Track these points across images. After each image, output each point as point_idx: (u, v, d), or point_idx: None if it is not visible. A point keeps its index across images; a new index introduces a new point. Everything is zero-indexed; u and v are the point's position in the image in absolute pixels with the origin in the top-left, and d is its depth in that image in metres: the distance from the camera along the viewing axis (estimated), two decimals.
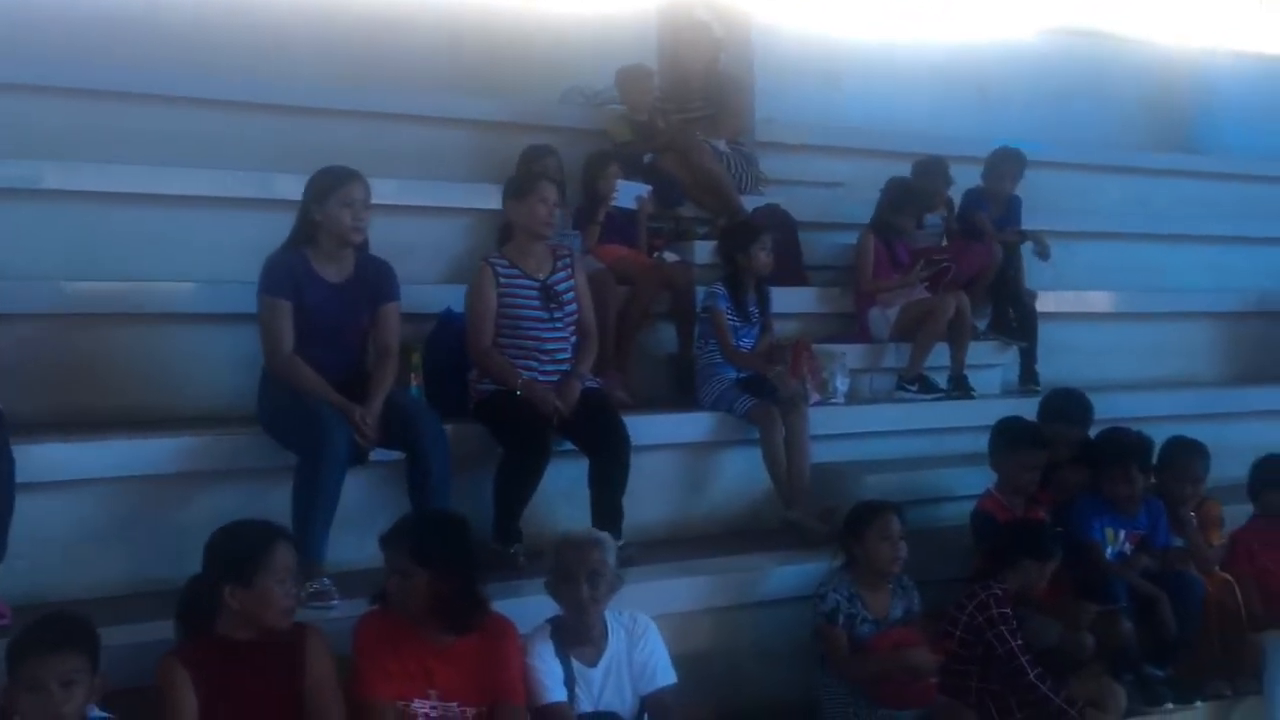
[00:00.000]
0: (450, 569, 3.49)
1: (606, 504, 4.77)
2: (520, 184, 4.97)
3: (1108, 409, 6.58)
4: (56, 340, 4.94)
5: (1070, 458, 5.09)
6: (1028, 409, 6.23)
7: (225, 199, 5.48)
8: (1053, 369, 7.24)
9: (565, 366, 4.90)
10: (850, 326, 6.47)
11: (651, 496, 5.32)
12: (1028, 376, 6.68)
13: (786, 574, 4.78)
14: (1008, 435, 4.95)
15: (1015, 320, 6.76)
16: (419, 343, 5.18)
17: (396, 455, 4.37)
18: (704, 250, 6.45)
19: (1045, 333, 7.33)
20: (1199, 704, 4.82)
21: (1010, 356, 6.81)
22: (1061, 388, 5.67)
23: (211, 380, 4.98)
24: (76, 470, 4.35)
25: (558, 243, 5.72)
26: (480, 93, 7.11)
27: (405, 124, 6.60)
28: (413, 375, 4.84)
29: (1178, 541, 5.09)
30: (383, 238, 5.72)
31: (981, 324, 6.76)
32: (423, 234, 6.01)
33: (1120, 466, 4.89)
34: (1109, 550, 4.95)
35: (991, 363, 6.67)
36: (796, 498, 5.17)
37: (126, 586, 4.27)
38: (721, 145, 6.74)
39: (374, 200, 5.86)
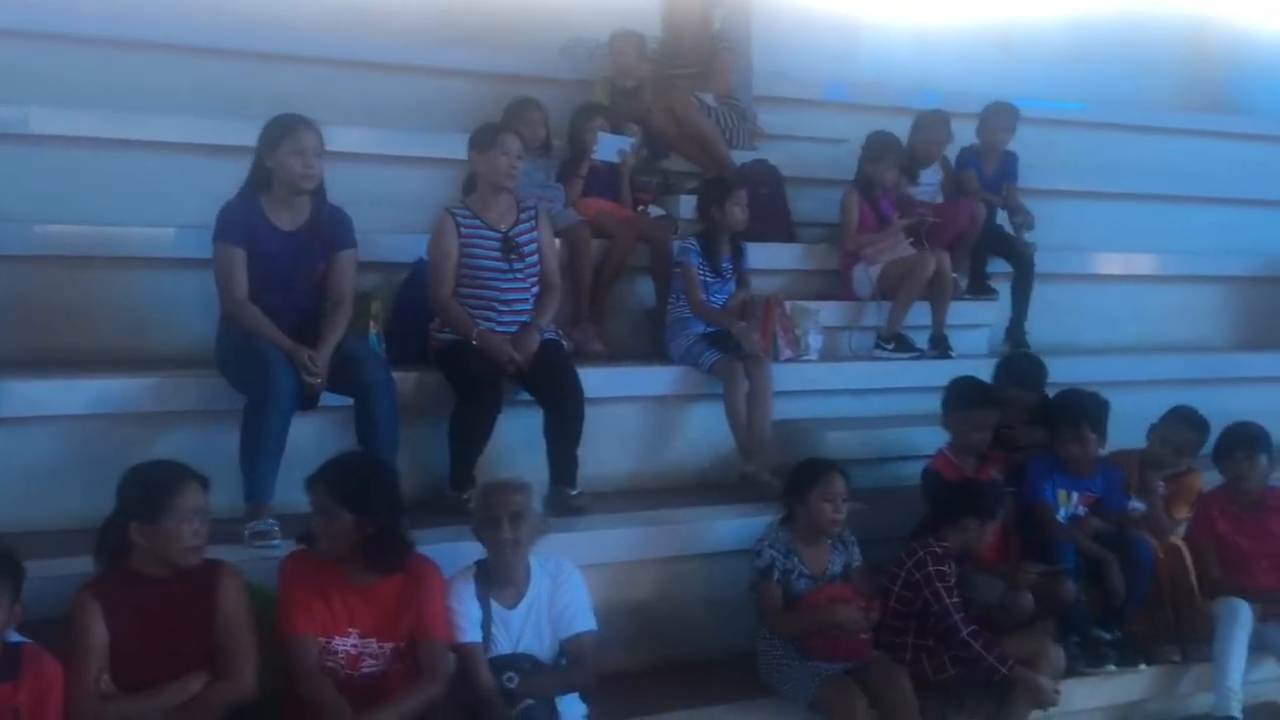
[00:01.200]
0: (372, 511, 3.58)
1: (561, 455, 4.85)
2: (483, 135, 5.00)
3: (1107, 372, 6.62)
4: (35, 282, 5.08)
5: (1025, 420, 5.06)
6: None
7: (206, 145, 5.55)
8: (1051, 330, 7.21)
9: (525, 318, 4.96)
10: (837, 284, 6.46)
11: (615, 448, 5.41)
12: (1016, 337, 6.64)
13: (737, 527, 4.82)
14: (959, 394, 4.94)
15: (1014, 275, 6.70)
16: (385, 291, 5.29)
17: (346, 400, 4.46)
18: (690, 205, 6.45)
19: (1046, 294, 7.29)
20: (1143, 667, 4.81)
21: (1000, 317, 6.76)
22: (1018, 350, 5.63)
23: (186, 324, 5.07)
24: (45, 407, 4.51)
25: (539, 193, 5.84)
26: (480, 45, 7.13)
27: (397, 74, 6.67)
28: (372, 323, 4.91)
29: (1138, 506, 5.06)
30: (368, 187, 5.86)
31: (960, 282, 6.72)
32: (409, 183, 6.08)
33: (1072, 426, 4.86)
34: (1062, 512, 4.93)
35: (977, 323, 6.63)
36: (755, 452, 5.21)
37: (85, 520, 4.41)
38: (709, 99, 6.72)
39: (360, 150, 6.13)
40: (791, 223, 6.71)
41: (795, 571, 4.41)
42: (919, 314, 6.31)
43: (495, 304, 4.92)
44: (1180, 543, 4.98)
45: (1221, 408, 6.61)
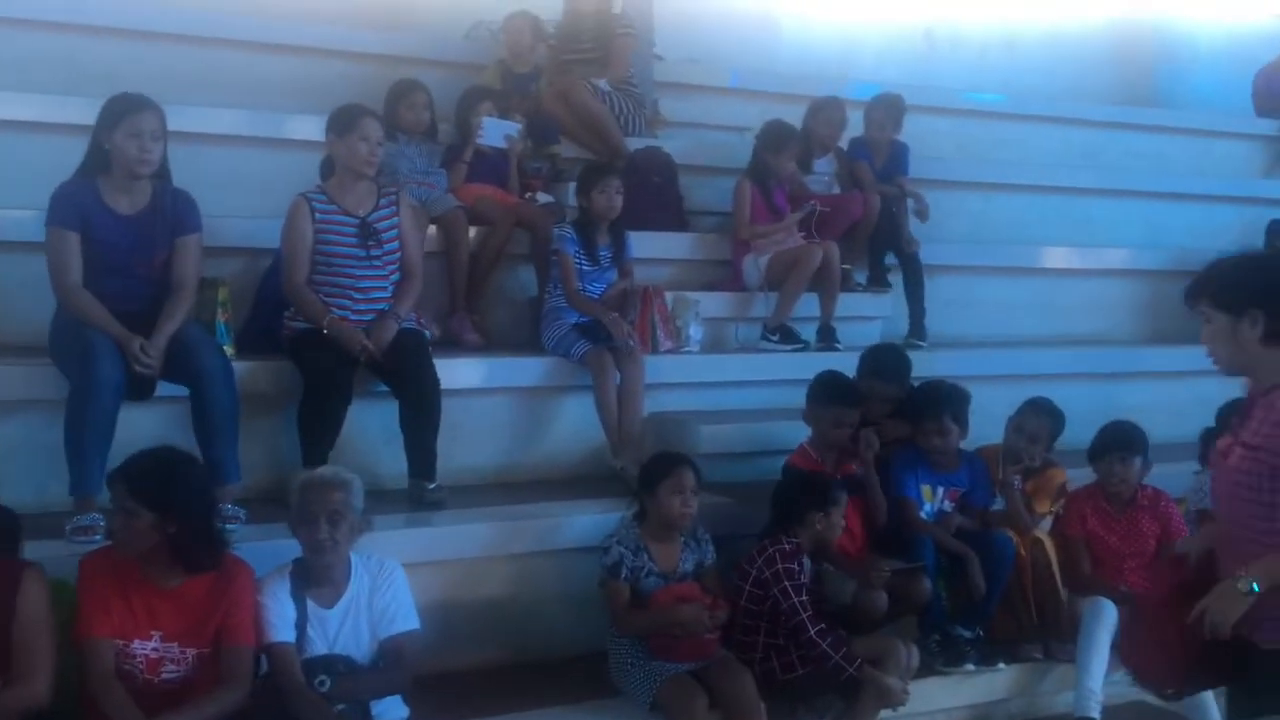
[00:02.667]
0: (174, 509, 3.45)
1: (417, 447, 4.75)
2: (342, 119, 4.85)
3: (1008, 365, 6.57)
4: None
5: (889, 414, 4.98)
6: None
7: (45, 124, 5.36)
8: (953, 323, 7.17)
9: (383, 306, 4.83)
10: (728, 274, 6.36)
11: (485, 440, 5.32)
12: (915, 330, 6.55)
13: (597, 522, 4.67)
14: (820, 389, 4.85)
15: (902, 271, 6.62)
16: (249, 277, 5.16)
17: (182, 390, 4.33)
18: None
19: (949, 287, 7.24)
20: (1003, 666, 4.73)
21: (896, 309, 6.68)
22: (880, 343, 5.54)
23: (23, 310, 4.90)
24: None
25: (420, 179, 5.72)
26: (373, 26, 6.98)
27: (278, 54, 6.51)
28: (220, 310, 4.77)
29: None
30: (240, 169, 5.75)
31: (861, 276, 6.63)
32: (285, 167, 5.91)
33: (934, 418, 4.78)
34: (927, 507, 4.86)
35: (870, 315, 6.55)
36: (624, 446, 5.11)
37: None
38: (603, 84, 6.60)
39: (250, 133, 5.99)
40: (684, 211, 6.61)
41: (644, 569, 4.30)
42: (813, 306, 6.23)
43: (351, 292, 4.78)
44: (1044, 538, 4.89)
45: (1124, 402, 6.67)
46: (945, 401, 4.79)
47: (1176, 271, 8.03)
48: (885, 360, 5.12)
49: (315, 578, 3.71)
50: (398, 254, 4.92)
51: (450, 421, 5.12)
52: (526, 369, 5.38)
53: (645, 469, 4.42)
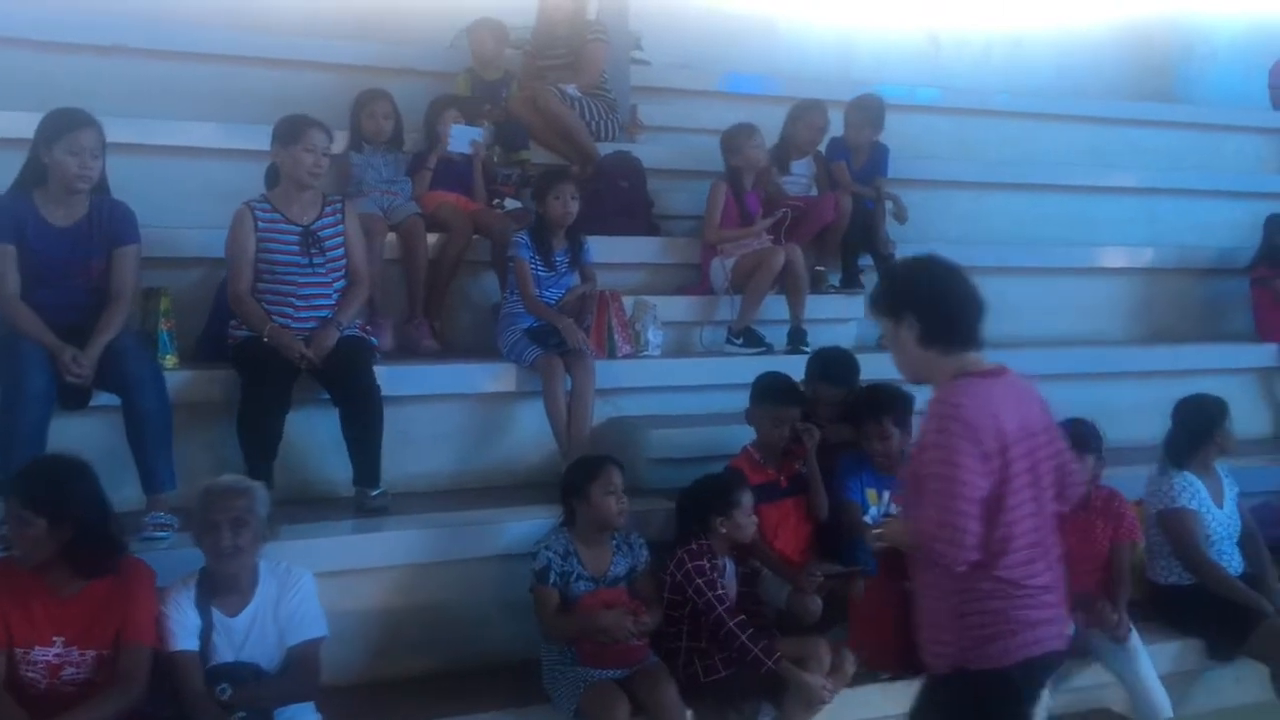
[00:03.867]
0: (68, 516, 3.48)
1: (359, 454, 4.76)
2: (287, 128, 4.89)
3: (1014, 366, 6.45)
4: None
5: (836, 417, 4.91)
6: (873, 365, 6.13)
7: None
8: None
9: (325, 314, 4.85)
10: (698, 278, 6.32)
11: (438, 447, 5.32)
12: None
13: (539, 527, 4.64)
14: (760, 390, 4.80)
15: (878, 273, 6.53)
16: (206, 286, 5.22)
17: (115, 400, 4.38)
18: None
19: None
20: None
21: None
22: (828, 346, 5.48)
23: None
24: None
25: (384, 188, 5.76)
26: (344, 37, 7.03)
27: (249, 66, 6.56)
28: (162, 319, 4.82)
29: None
30: (219, 181, 5.78)
31: (835, 278, 6.56)
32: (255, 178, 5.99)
33: (874, 422, 4.71)
34: (872, 511, 4.78)
35: (843, 317, 6.47)
36: (575, 451, 5.06)
37: None
38: (572, 90, 6.59)
39: (224, 145, 6.04)
40: (653, 215, 6.57)
41: (574, 574, 4.28)
42: (784, 308, 6.18)
43: (293, 299, 4.81)
44: None
45: (1111, 403, 6.56)
46: (886, 405, 4.71)
47: (1174, 270, 7.99)
48: (833, 363, 5.06)
49: (220, 586, 3.72)
50: (343, 262, 4.94)
51: (402, 428, 5.16)
52: (479, 375, 5.38)
53: (570, 473, 4.40)
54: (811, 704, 4.17)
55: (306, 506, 4.85)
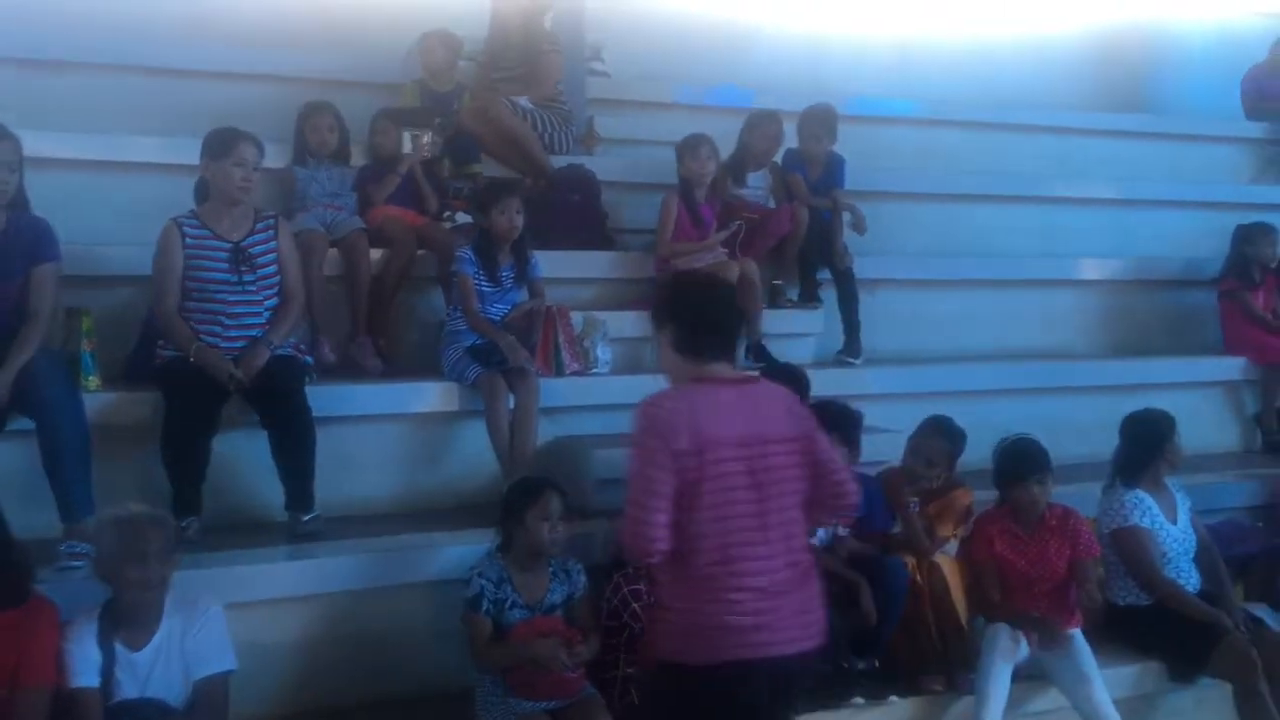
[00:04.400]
0: None
1: (289, 477, 4.64)
2: (216, 142, 4.75)
3: (941, 382, 6.36)
4: None
5: None
6: (831, 381, 6.00)
7: None
8: (901, 339, 6.97)
9: (255, 333, 4.71)
10: (652, 293, 6.18)
11: (379, 469, 5.19)
12: (848, 347, 6.34)
13: (476, 553, 4.48)
14: None
15: (836, 286, 6.42)
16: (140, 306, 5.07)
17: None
18: None
19: (900, 301, 7.04)
20: (894, 699, 4.48)
21: (832, 325, 6.47)
22: (779, 363, 5.35)
23: None
24: None
25: (328, 201, 5.62)
26: (292, 48, 6.90)
27: (188, 79, 6.44)
28: (85, 340, 4.67)
29: None
30: (168, 196, 5.62)
31: (793, 292, 6.44)
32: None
33: None
34: (820, 533, 4.63)
35: (803, 331, 6.35)
36: (517, 472, 4.90)
37: None
38: (523, 102, 6.46)
39: (158, 160, 5.89)
40: (607, 229, 6.44)
41: (508, 601, 4.12)
42: None
43: (221, 318, 4.67)
44: (942, 562, 4.65)
45: (1073, 418, 6.46)
46: (832, 424, 4.55)
47: (1141, 282, 7.88)
48: (782, 379, 4.86)
49: (125, 619, 3.56)
50: (275, 280, 4.81)
51: (341, 450, 5.04)
52: (420, 394, 5.23)
53: (509, 496, 4.25)
54: None
55: (239, 532, 4.71)
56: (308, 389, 4.88)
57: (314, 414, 4.83)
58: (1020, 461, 4.75)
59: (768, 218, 6.26)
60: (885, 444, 5.23)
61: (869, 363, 6.47)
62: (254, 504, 4.86)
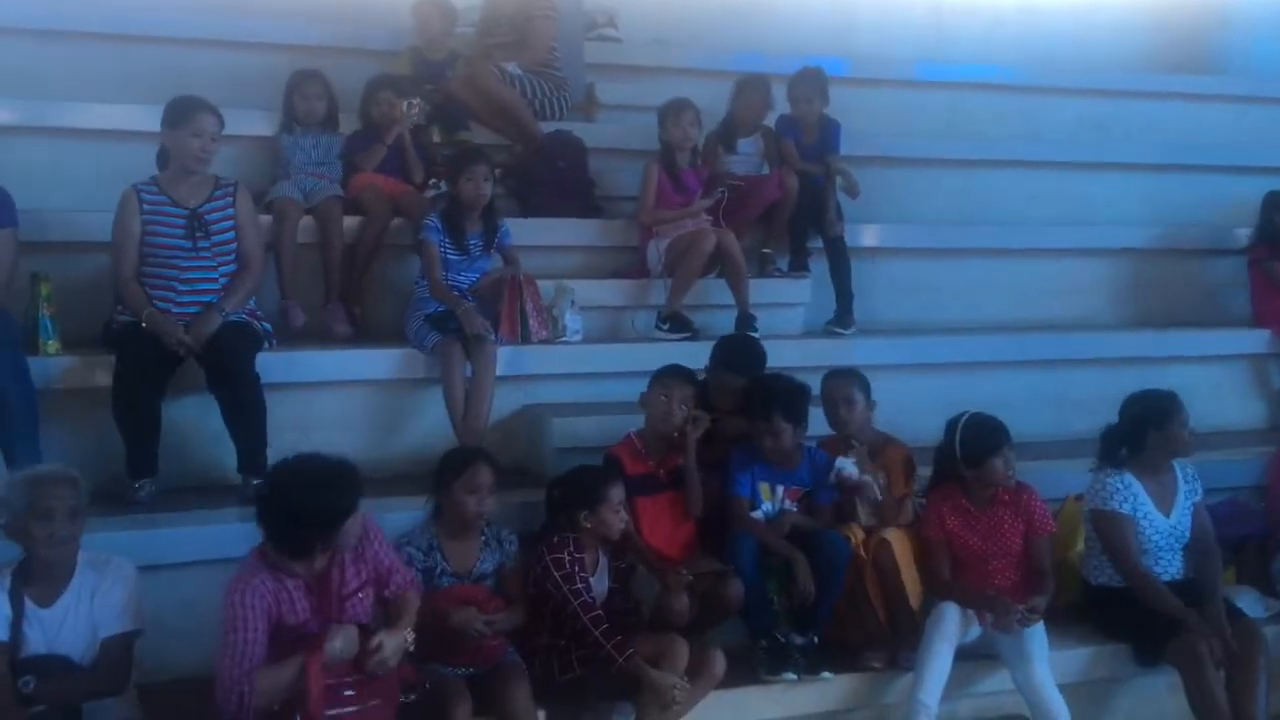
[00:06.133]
0: None
1: (239, 441, 4.69)
2: (176, 111, 4.80)
3: (935, 353, 6.21)
4: None
5: (737, 406, 4.69)
6: (817, 351, 5.89)
7: None
8: (908, 309, 6.83)
9: (210, 298, 4.75)
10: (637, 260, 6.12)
11: (340, 434, 5.15)
12: (839, 318, 6.20)
13: (416, 519, 4.51)
14: (658, 370, 4.60)
15: (827, 254, 6.28)
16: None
17: None
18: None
19: (908, 270, 6.88)
20: (828, 675, 4.37)
21: (825, 294, 6.33)
22: (732, 333, 5.25)
23: None
24: None
25: (312, 170, 5.64)
26: (289, 15, 6.92)
27: (203, 49, 6.52)
28: (44, 305, 4.76)
29: (851, 471, 4.61)
30: (129, 165, 5.72)
31: (784, 261, 6.32)
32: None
33: (763, 418, 4.47)
34: (765, 506, 4.55)
35: (791, 301, 6.23)
36: (469, 440, 4.91)
37: None
38: (512, 68, 6.41)
39: (138, 127, 5.96)
40: (595, 197, 6.38)
41: (438, 569, 4.13)
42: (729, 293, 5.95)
43: (175, 284, 4.73)
44: (893, 538, 4.52)
45: (1090, 391, 6.24)
46: (776, 399, 4.47)
47: (1169, 250, 7.58)
48: (735, 349, 4.83)
49: (37, 576, 3.63)
50: (231, 246, 4.85)
51: (304, 415, 5.09)
52: (382, 361, 5.25)
53: (441, 465, 4.24)
54: (665, 705, 3.97)
55: (195, 494, 4.78)
56: (269, 355, 4.96)
57: (276, 379, 4.91)
58: (986, 437, 4.59)
59: (757, 184, 6.13)
60: None
61: (865, 333, 6.34)
62: (212, 467, 4.93)
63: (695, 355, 5.07)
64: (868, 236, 6.72)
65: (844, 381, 4.71)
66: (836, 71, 7.76)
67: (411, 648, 3.66)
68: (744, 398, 4.62)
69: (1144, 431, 4.82)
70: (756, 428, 4.49)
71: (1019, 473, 4.65)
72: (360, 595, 3.66)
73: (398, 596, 3.78)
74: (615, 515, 4.16)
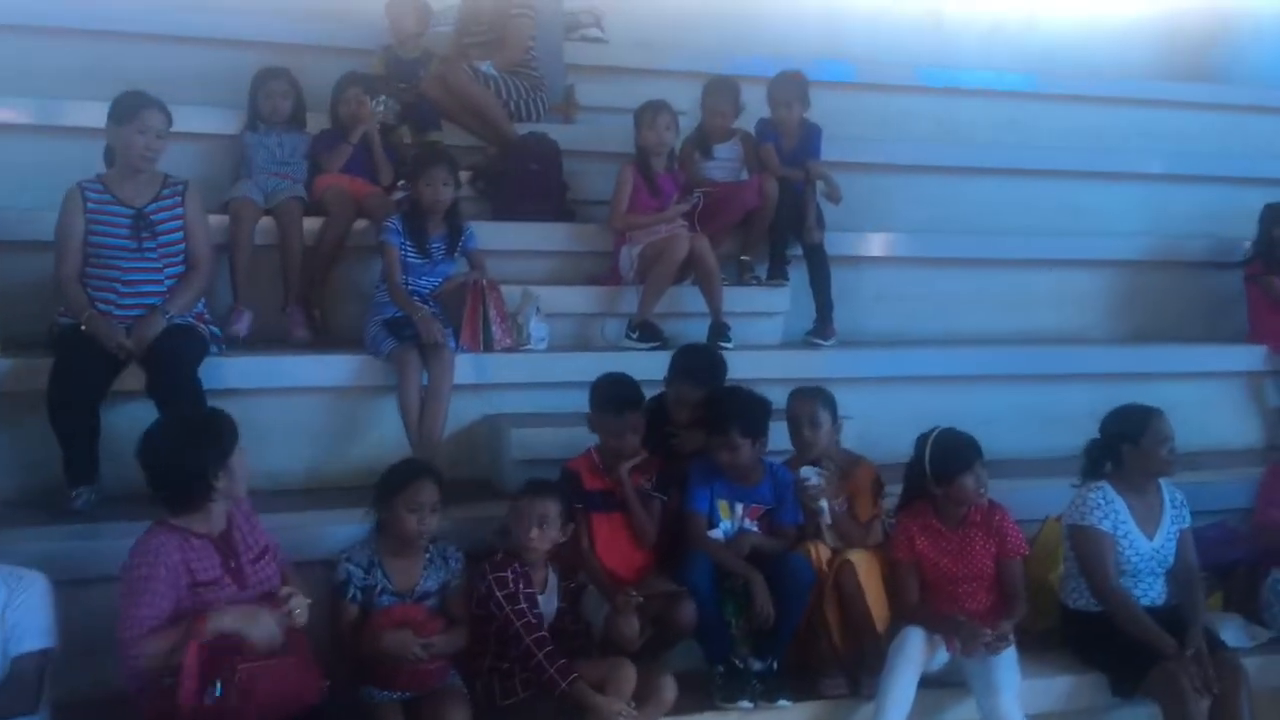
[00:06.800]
0: None
1: None
2: (122, 107, 4.63)
3: (915, 366, 6.03)
4: None
5: (697, 419, 4.50)
6: (793, 363, 5.71)
7: None
8: (890, 319, 6.64)
9: (154, 300, 4.59)
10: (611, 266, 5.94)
11: (294, 443, 5.05)
12: (819, 328, 6.00)
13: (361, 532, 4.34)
14: (595, 395, 4.42)
15: (806, 263, 6.09)
16: None
17: None
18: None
19: (887, 280, 6.69)
20: (785, 703, 4.17)
21: (803, 305, 6.13)
22: (691, 343, 5.06)
23: None
24: None
25: (276, 170, 5.49)
26: (256, 13, 6.76)
27: (144, 44, 6.36)
28: None
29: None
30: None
31: (763, 269, 6.13)
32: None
33: (719, 433, 4.28)
34: (724, 525, 4.36)
35: (769, 310, 6.03)
36: (423, 450, 4.75)
37: None
38: (485, 67, 6.24)
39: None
40: (569, 200, 6.20)
41: (378, 587, 3.95)
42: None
43: (117, 285, 4.57)
44: (857, 560, 4.32)
45: (1077, 407, 6.02)
46: (735, 414, 4.27)
47: (1166, 262, 7.36)
48: (695, 362, 4.63)
49: None
50: (179, 248, 4.69)
51: (257, 422, 4.84)
52: (337, 368, 5.07)
53: (383, 479, 4.06)
54: None
55: (135, 503, 4.56)
56: (219, 360, 4.80)
57: (226, 385, 4.76)
58: (956, 453, 4.40)
59: (733, 191, 5.94)
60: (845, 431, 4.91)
61: (847, 344, 6.14)
62: None
63: (664, 366, 4.90)
64: (852, 245, 6.52)
65: (808, 401, 4.50)
66: (828, 76, 7.70)
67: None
68: (705, 411, 4.42)
69: (1119, 447, 4.62)
70: (714, 443, 4.29)
71: (1001, 492, 4.46)
72: (265, 559, 3.70)
73: (284, 565, 3.82)
74: (553, 532, 3.96)
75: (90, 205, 4.58)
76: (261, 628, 3.45)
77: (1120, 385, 6.08)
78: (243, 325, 5.18)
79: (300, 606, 3.55)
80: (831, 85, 7.70)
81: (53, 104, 5.75)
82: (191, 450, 3.58)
